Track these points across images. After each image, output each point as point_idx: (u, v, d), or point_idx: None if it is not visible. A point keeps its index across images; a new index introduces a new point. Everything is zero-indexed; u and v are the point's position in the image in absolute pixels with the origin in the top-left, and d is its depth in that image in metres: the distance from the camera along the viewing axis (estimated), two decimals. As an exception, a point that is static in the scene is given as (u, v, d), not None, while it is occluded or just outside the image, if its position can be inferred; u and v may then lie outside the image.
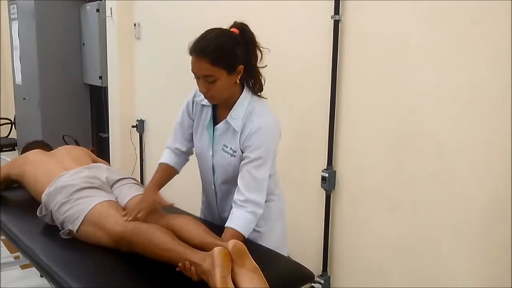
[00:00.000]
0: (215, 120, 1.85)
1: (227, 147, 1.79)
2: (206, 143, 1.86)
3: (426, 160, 2.14)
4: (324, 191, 2.58)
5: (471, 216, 2.00)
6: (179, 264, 1.58)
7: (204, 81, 1.67)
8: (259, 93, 1.82)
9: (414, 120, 2.17)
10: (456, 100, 2.00)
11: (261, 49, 1.75)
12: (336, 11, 2.39)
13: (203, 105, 1.87)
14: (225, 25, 1.75)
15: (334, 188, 2.56)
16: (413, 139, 2.18)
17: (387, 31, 2.23)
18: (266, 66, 1.79)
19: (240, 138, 1.76)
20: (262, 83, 1.80)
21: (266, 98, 1.84)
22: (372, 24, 2.29)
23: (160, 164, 1.99)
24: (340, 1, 2.38)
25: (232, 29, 1.71)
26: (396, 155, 2.26)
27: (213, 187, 1.92)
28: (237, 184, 1.76)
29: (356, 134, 2.44)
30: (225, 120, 1.79)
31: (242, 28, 1.72)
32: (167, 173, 1.98)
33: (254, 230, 1.82)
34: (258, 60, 1.75)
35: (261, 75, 1.79)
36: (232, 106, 1.77)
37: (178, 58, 3.65)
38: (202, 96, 1.79)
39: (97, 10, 4.36)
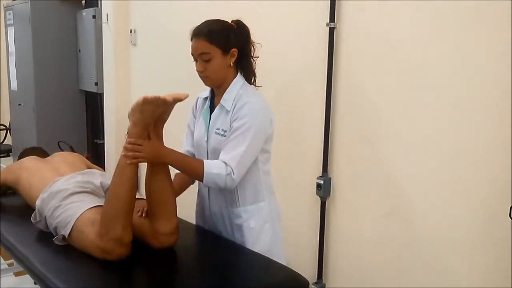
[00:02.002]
0: (212, 109, 1.93)
1: (219, 129, 1.87)
2: (203, 130, 1.94)
3: (422, 165, 2.14)
4: (319, 198, 2.58)
5: (469, 219, 2.00)
6: (123, 154, 1.71)
7: (201, 60, 1.83)
8: (254, 84, 1.94)
9: (410, 125, 2.17)
10: (454, 103, 2.01)
11: (254, 44, 1.90)
12: (332, 18, 2.41)
13: (205, 99, 1.99)
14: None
15: (330, 195, 2.56)
16: (410, 145, 2.18)
17: (383, 38, 2.24)
18: (258, 57, 1.93)
19: (231, 117, 1.84)
20: (255, 73, 1.94)
21: (260, 86, 1.96)
22: (367, 32, 2.30)
23: (176, 174, 2.01)
24: (336, 8, 2.40)
25: (230, 23, 1.88)
26: (392, 161, 2.27)
27: None
28: None
29: (351, 141, 2.44)
30: (219, 104, 1.89)
31: (239, 23, 1.88)
32: (180, 184, 2.02)
33: (247, 227, 1.91)
34: (252, 54, 1.90)
35: (255, 67, 1.93)
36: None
37: (174, 65, 3.67)
38: (204, 91, 1.98)
39: (94, 17, 4.36)
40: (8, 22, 5.14)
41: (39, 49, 4.63)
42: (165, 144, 1.82)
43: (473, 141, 1.96)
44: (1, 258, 3.26)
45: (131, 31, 4.10)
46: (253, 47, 1.90)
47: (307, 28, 2.58)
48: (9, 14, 5.08)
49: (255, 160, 1.86)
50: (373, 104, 2.32)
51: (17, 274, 3.18)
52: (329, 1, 2.40)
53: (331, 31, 2.42)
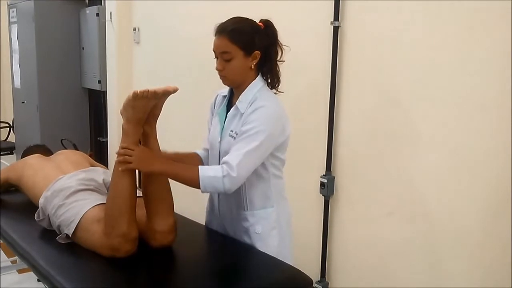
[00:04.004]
0: (229, 109, 1.89)
1: (232, 131, 1.82)
2: (217, 131, 1.90)
3: (425, 165, 2.14)
4: (323, 196, 2.58)
5: (470, 219, 2.00)
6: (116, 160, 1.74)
7: (221, 59, 1.78)
8: (275, 88, 1.88)
9: (414, 125, 2.17)
10: (455, 104, 2.01)
11: (282, 46, 1.84)
12: (336, 17, 2.40)
13: (223, 97, 1.95)
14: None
15: (333, 193, 2.56)
16: (413, 144, 2.18)
17: (387, 37, 2.24)
18: (284, 61, 1.87)
19: (243, 120, 1.79)
20: (279, 78, 1.88)
21: (282, 92, 1.89)
22: (371, 30, 2.30)
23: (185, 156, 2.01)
24: (340, 7, 2.39)
25: (258, 23, 1.83)
26: (395, 160, 2.27)
27: None
28: None
29: (355, 140, 2.44)
30: (234, 105, 1.84)
31: (267, 23, 1.83)
32: (191, 156, 2.01)
33: (254, 232, 1.88)
34: (278, 57, 1.84)
35: (279, 71, 1.87)
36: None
37: (177, 63, 3.67)
38: (224, 89, 1.92)
39: (97, 15, 4.36)
40: (11, 20, 5.15)
41: (42, 47, 4.64)
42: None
43: (475, 141, 1.95)
44: (5, 255, 3.27)
45: (134, 29, 4.10)
46: (281, 49, 1.84)
47: (311, 27, 2.58)
48: (13, 12, 5.08)
49: (264, 165, 1.83)
50: (377, 103, 2.31)
51: (20, 271, 3.18)
52: (333, 0, 2.40)
53: (335, 30, 2.42)
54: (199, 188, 1.71)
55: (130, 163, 1.72)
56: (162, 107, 1.81)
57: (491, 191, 1.93)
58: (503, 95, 1.84)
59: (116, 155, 1.76)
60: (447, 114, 2.04)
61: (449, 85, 2.02)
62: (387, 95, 2.27)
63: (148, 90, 1.67)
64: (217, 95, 1.99)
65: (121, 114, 1.79)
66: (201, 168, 1.71)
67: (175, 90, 1.70)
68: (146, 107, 1.75)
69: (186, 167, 1.78)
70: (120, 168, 1.73)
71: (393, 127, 2.26)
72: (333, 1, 2.40)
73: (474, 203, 1.98)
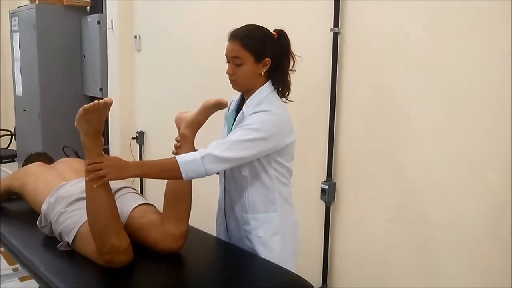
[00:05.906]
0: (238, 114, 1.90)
1: None
2: (225, 135, 1.91)
3: (426, 168, 2.14)
4: (324, 203, 2.58)
5: (470, 220, 2.00)
6: (87, 179, 1.69)
7: (233, 63, 1.81)
8: (285, 97, 1.91)
9: (415, 131, 2.18)
10: (456, 106, 2.01)
11: (294, 56, 1.88)
12: (335, 23, 2.41)
13: (236, 102, 1.97)
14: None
15: (334, 199, 2.56)
16: (414, 149, 2.18)
17: (386, 43, 2.25)
18: (295, 71, 1.89)
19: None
20: (289, 87, 1.91)
21: (292, 101, 1.92)
22: (371, 36, 2.31)
23: None
24: (339, 14, 2.41)
25: (272, 32, 1.86)
26: (396, 165, 2.27)
27: (223, 179, 1.95)
28: (242, 183, 1.85)
29: (355, 145, 2.44)
30: (241, 110, 1.85)
31: (280, 33, 1.86)
32: None
33: (255, 236, 1.88)
34: (290, 67, 1.88)
35: (289, 80, 1.90)
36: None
37: (178, 70, 3.69)
38: (237, 94, 1.94)
39: (98, 22, 4.39)
40: (13, 28, 5.18)
41: (44, 55, 4.66)
42: (169, 147, 1.81)
43: (475, 142, 1.96)
44: (6, 263, 3.27)
45: (135, 37, 4.12)
46: (293, 59, 1.87)
47: (311, 34, 2.59)
48: (15, 20, 5.11)
49: (265, 169, 1.84)
50: (378, 109, 2.32)
51: (22, 279, 3.18)
52: (333, 7, 2.41)
53: (335, 36, 2.43)
54: (181, 177, 1.69)
55: (104, 176, 1.67)
56: (208, 117, 1.88)
57: (491, 192, 1.93)
58: (503, 95, 1.84)
59: (85, 172, 1.70)
60: (448, 117, 2.04)
61: (450, 88, 2.02)
62: (387, 101, 2.27)
63: (98, 102, 1.67)
64: (232, 101, 2.00)
65: (78, 129, 1.76)
66: (179, 156, 1.70)
67: (226, 105, 1.79)
68: (100, 119, 1.74)
69: (163, 161, 1.73)
70: (95, 186, 1.67)
71: (394, 133, 2.26)
72: (333, 8, 2.41)
73: (474, 204, 1.98)
